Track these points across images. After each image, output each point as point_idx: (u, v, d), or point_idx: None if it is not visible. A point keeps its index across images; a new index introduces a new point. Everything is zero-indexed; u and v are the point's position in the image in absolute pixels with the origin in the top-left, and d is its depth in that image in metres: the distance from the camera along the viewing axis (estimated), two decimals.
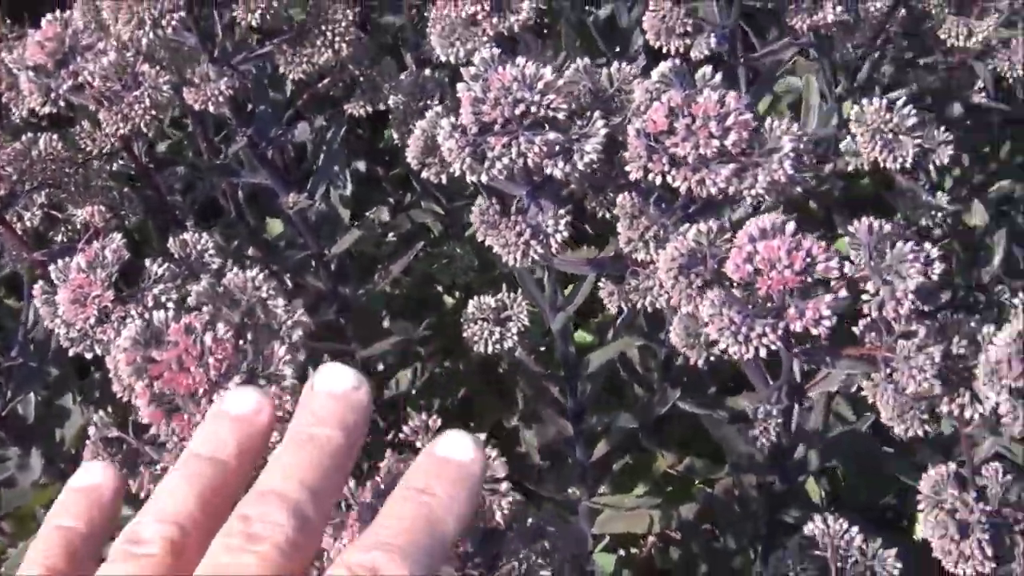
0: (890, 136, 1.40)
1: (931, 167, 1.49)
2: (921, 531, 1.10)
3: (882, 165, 1.42)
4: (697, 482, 1.74)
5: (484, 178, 1.10)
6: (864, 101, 1.42)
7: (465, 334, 1.49)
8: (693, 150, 1.11)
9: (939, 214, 1.52)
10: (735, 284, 1.05)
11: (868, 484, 1.65)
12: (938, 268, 1.17)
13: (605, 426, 1.60)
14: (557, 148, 1.09)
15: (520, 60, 1.12)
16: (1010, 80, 1.60)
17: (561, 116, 1.10)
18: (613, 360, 1.56)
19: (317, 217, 1.66)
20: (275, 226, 1.89)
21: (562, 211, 1.14)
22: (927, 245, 1.23)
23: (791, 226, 1.04)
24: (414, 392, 1.81)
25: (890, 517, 1.75)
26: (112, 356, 1.05)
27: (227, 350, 0.99)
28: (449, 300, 1.94)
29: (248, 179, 1.52)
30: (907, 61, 1.73)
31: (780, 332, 1.01)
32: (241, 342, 1.03)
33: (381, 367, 1.87)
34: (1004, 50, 1.59)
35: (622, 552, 1.79)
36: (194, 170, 1.69)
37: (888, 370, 1.10)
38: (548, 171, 1.10)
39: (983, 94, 1.71)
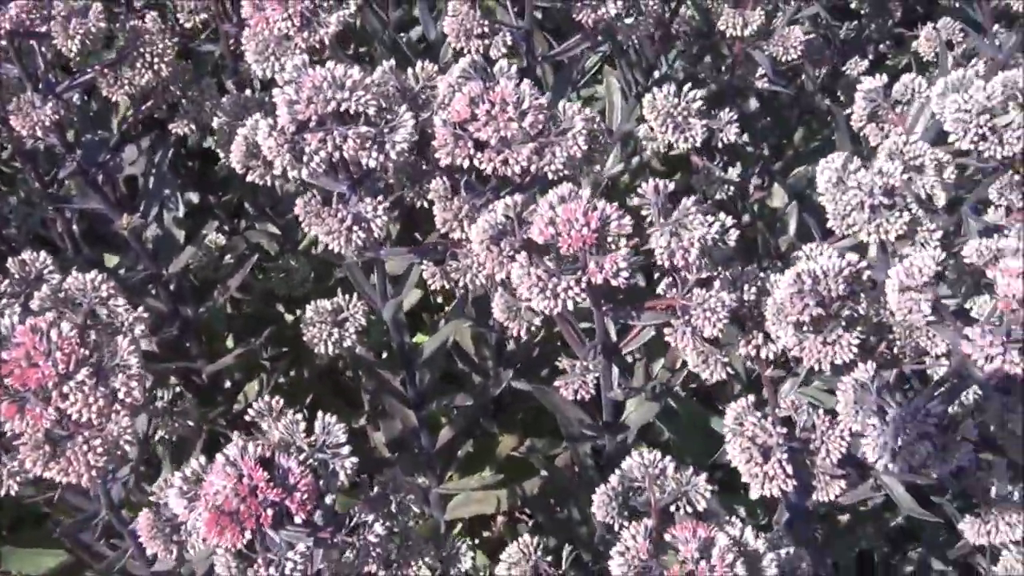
0: (680, 119, 1.53)
1: (720, 144, 1.64)
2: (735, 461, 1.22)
3: (675, 145, 1.55)
4: (539, 459, 1.84)
5: (305, 173, 1.19)
6: (655, 89, 1.55)
7: (305, 337, 1.56)
8: (494, 133, 1.21)
9: (731, 187, 1.66)
10: (541, 248, 1.15)
11: (696, 446, 1.77)
12: (733, 235, 1.32)
13: (446, 412, 1.68)
14: (370, 140, 1.19)
15: (330, 64, 1.21)
16: (784, 62, 1.76)
17: (372, 111, 1.20)
18: (448, 349, 1.65)
19: (154, 241, 1.71)
20: (111, 260, 1.93)
21: (380, 198, 1.23)
22: (722, 214, 1.37)
23: (586, 192, 1.15)
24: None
25: (721, 477, 1.87)
26: None
27: (72, 345, 1.04)
28: (289, 316, 2.00)
29: (80, 206, 1.57)
30: (697, 55, 1.88)
31: (583, 285, 1.11)
32: (87, 338, 1.09)
33: (229, 384, 1.93)
34: (779, 36, 1.75)
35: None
36: (27, 203, 1.73)
37: (686, 316, 1.22)
38: (364, 162, 1.19)
39: (764, 79, 1.88)
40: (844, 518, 1.68)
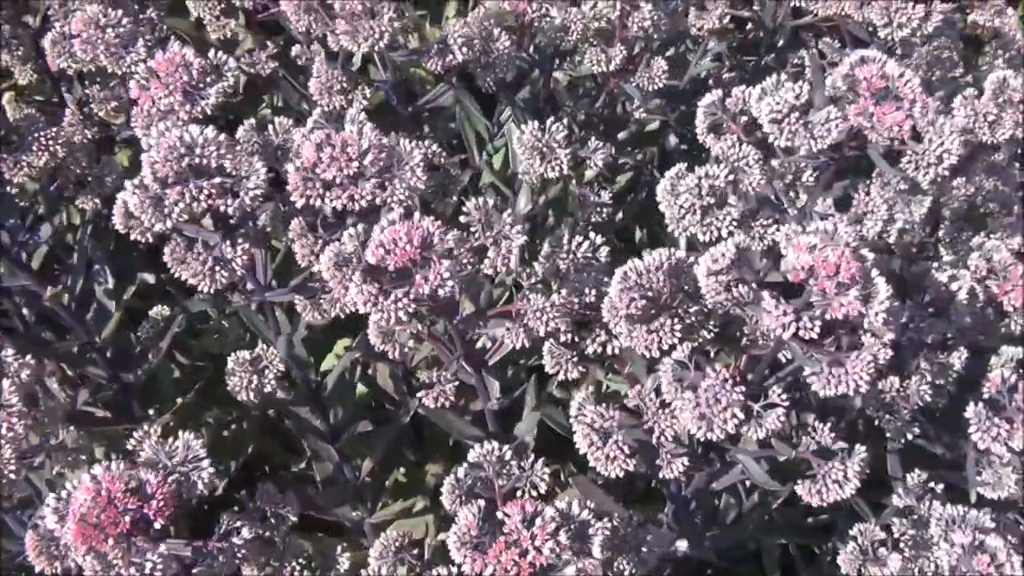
0: (545, 150, 1.66)
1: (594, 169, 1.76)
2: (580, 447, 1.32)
3: (544, 175, 1.68)
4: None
5: (168, 224, 1.32)
6: (523, 126, 1.68)
7: (228, 386, 1.69)
8: (338, 173, 1.35)
9: (604, 210, 1.78)
10: (380, 270, 1.27)
11: None
12: (604, 251, 1.45)
13: (365, 443, 1.80)
14: (225, 190, 1.32)
15: (191, 126, 1.35)
16: (650, 90, 1.88)
17: (227, 164, 1.33)
18: (351, 383, 1.77)
19: (94, 313, 1.85)
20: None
21: (241, 241, 1.36)
22: (592, 234, 1.50)
23: (417, 215, 1.27)
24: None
25: (643, 487, 1.96)
26: None
27: None
28: None
29: (9, 283, 1.71)
30: (567, 89, 2.02)
31: (412, 296, 1.23)
32: None
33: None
34: (645, 69, 1.87)
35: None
36: None
37: (522, 321, 1.33)
38: (223, 209, 1.33)
39: (640, 111, 2.00)
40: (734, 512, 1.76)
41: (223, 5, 1.91)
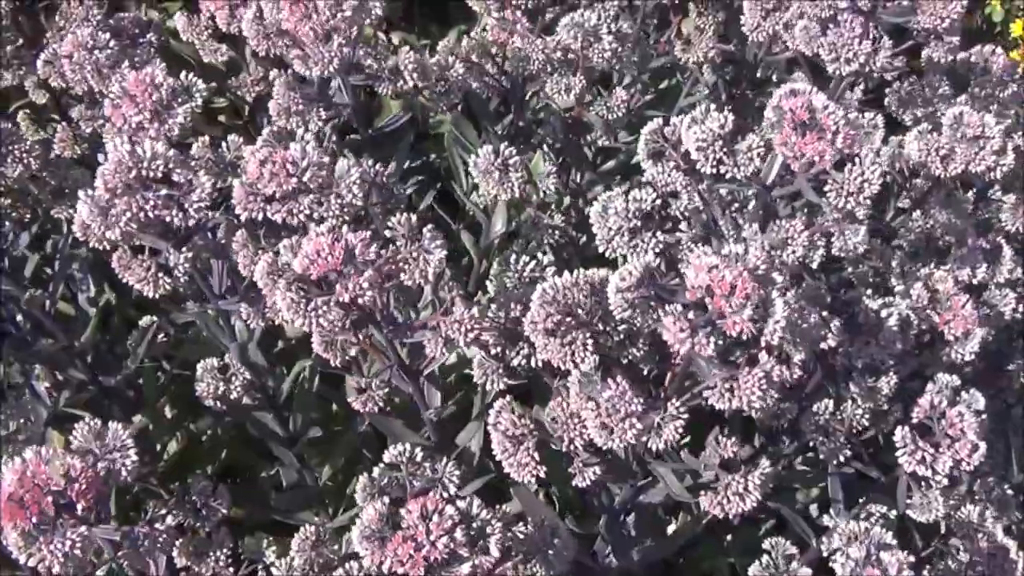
0: (499, 174, 1.73)
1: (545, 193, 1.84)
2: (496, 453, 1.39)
3: (498, 195, 1.75)
4: None
5: (117, 234, 1.41)
6: (479, 151, 1.76)
7: (197, 391, 1.78)
8: (278, 188, 1.43)
9: (556, 232, 1.85)
10: (305, 279, 1.35)
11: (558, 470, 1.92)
12: (550, 271, 1.52)
13: (326, 450, 1.88)
14: (171, 201, 1.41)
15: (145, 142, 1.44)
16: (611, 119, 1.95)
17: (175, 178, 1.43)
18: (311, 391, 1.85)
19: (73, 320, 1.95)
20: None
21: (184, 250, 1.44)
22: (539, 254, 1.57)
23: (345, 228, 1.35)
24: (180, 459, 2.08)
25: None
26: None
27: None
28: None
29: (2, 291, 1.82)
30: (536, 120, 2.10)
31: (334, 303, 1.30)
32: None
33: (158, 447, 2.15)
34: (606, 99, 1.95)
35: None
36: None
37: (440, 331, 1.41)
38: (168, 220, 1.42)
39: (604, 137, 2.07)
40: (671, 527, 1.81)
41: (209, 30, 2.01)
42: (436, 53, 1.87)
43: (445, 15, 3.10)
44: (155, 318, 2.15)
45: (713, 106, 1.54)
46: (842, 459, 1.64)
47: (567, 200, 2.17)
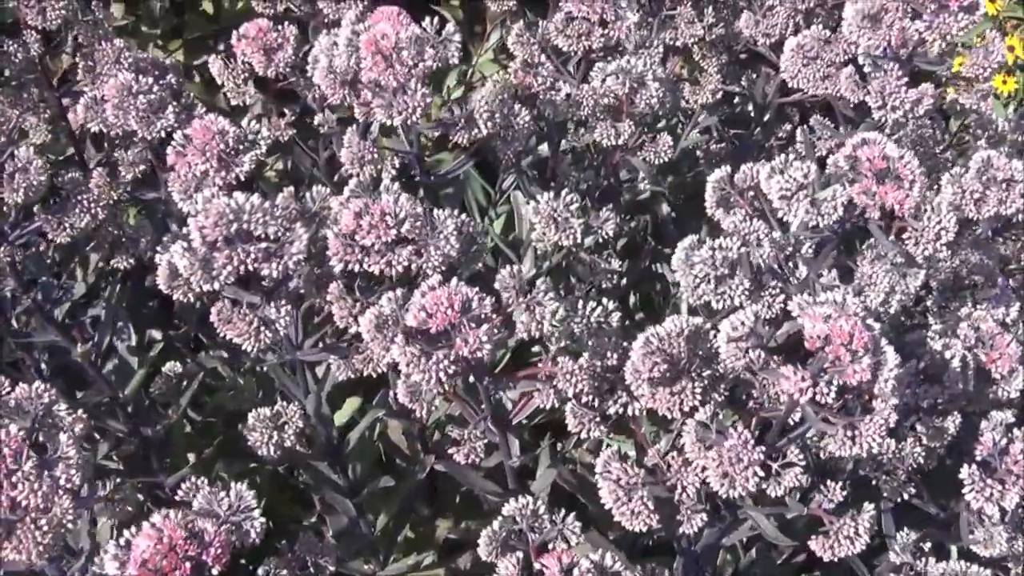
0: (560, 220, 1.74)
1: (603, 239, 1.85)
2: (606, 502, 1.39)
3: (558, 243, 1.76)
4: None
5: (216, 286, 1.39)
6: (539, 196, 1.76)
7: (250, 441, 1.74)
8: (376, 240, 1.42)
9: (614, 276, 1.87)
10: (419, 332, 1.34)
11: None
12: (615, 316, 1.53)
13: (381, 498, 1.86)
14: (270, 254, 1.39)
15: (236, 194, 1.42)
16: (657, 163, 1.98)
17: (271, 230, 1.40)
18: (371, 439, 1.84)
19: (113, 370, 1.91)
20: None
21: (285, 302, 1.42)
22: (604, 300, 1.58)
23: (455, 281, 1.35)
24: None
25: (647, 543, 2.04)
26: None
27: (18, 443, 1.23)
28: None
29: (40, 339, 1.77)
30: (574, 162, 2.11)
31: (452, 358, 1.30)
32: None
33: None
34: (651, 144, 1.97)
35: None
36: None
37: (552, 382, 1.41)
38: (268, 272, 1.39)
39: (645, 182, 2.10)
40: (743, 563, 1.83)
41: (246, 74, 1.98)
42: (443, 96, 1.88)
43: None
44: (178, 364, 2.10)
45: (791, 155, 1.57)
46: (906, 496, 1.67)
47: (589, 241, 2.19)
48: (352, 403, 2.13)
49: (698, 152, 2.50)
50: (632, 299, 2.55)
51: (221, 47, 2.81)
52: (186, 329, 2.29)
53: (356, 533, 1.87)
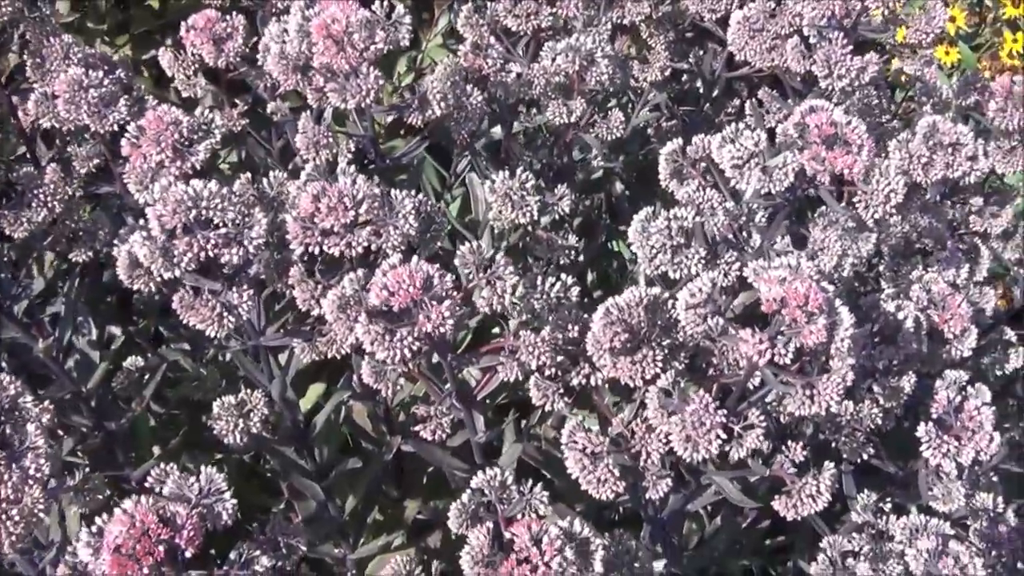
0: (516, 198, 1.76)
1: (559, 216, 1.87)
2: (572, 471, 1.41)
3: (516, 220, 1.77)
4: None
5: (177, 273, 1.39)
6: (494, 177, 1.77)
7: (215, 430, 1.74)
8: (335, 222, 1.43)
9: (572, 252, 1.88)
10: (381, 312, 1.35)
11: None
12: (575, 291, 1.55)
13: (348, 481, 1.87)
14: (230, 239, 1.40)
15: (193, 181, 1.42)
16: (609, 140, 2.00)
17: (230, 216, 1.41)
18: (337, 423, 1.85)
19: (75, 365, 1.90)
20: None
21: (246, 287, 1.43)
22: (563, 275, 1.60)
23: (415, 259, 1.36)
24: None
25: (612, 516, 2.06)
26: None
27: None
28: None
29: (7, 335, 1.76)
30: (527, 143, 2.13)
31: (416, 335, 1.31)
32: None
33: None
34: (603, 121, 1.99)
35: None
36: None
37: (515, 356, 1.43)
38: (228, 258, 1.40)
39: (597, 159, 2.12)
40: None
41: (196, 66, 1.98)
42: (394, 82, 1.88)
43: None
44: (139, 359, 2.10)
45: (741, 125, 1.60)
46: (865, 456, 1.70)
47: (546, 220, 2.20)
48: (316, 389, 2.14)
49: (649, 130, 2.52)
50: (590, 277, 2.57)
51: (169, 41, 2.80)
52: (146, 324, 2.29)
53: (325, 517, 1.87)
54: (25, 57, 2.05)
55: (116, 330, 2.32)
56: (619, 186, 2.65)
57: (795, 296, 1.29)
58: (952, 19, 4.64)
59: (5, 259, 1.76)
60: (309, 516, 1.91)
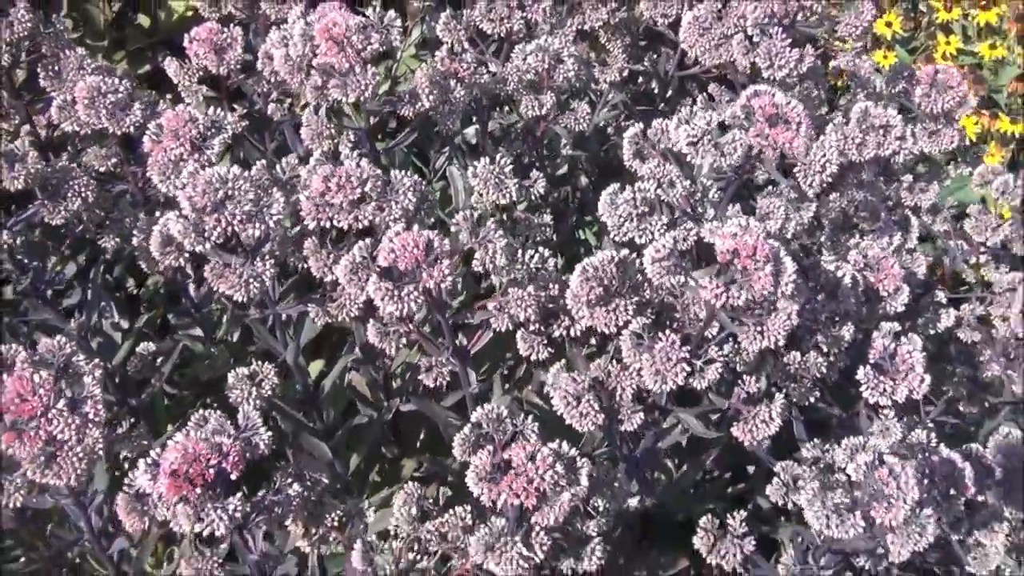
0: (497, 181, 1.95)
1: (535, 197, 2.07)
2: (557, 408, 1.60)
3: (497, 201, 1.97)
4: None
5: (208, 247, 1.57)
6: (476, 162, 1.97)
7: (231, 398, 1.92)
8: (344, 198, 1.62)
9: (547, 229, 2.08)
10: (388, 273, 1.54)
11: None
12: (551, 262, 1.74)
13: (352, 442, 2.05)
14: (252, 215, 1.58)
15: (217, 167, 1.61)
16: (576, 130, 2.21)
17: (251, 196, 1.59)
18: (341, 386, 2.03)
19: (98, 346, 2.07)
20: None
21: (269, 259, 1.61)
22: (541, 248, 1.79)
23: (416, 227, 1.55)
24: None
25: None
26: None
27: (49, 385, 1.41)
28: None
29: (35, 317, 1.93)
30: (501, 138, 2.33)
31: (420, 290, 1.50)
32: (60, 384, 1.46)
33: None
34: (570, 113, 2.20)
35: None
36: None
37: (505, 309, 1.62)
38: (251, 233, 1.58)
39: (567, 148, 2.32)
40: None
41: (200, 73, 2.16)
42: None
43: None
44: (151, 344, 2.27)
45: (697, 108, 1.80)
46: (812, 400, 1.91)
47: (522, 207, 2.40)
48: (316, 365, 2.31)
49: (609, 129, 2.72)
50: (560, 261, 2.76)
51: (160, 57, 2.99)
52: (153, 315, 2.46)
53: (331, 475, 2.05)
54: (38, 69, 2.23)
55: (124, 323, 2.49)
56: (584, 179, 2.85)
57: (745, 248, 1.49)
58: (889, 24, 4.90)
59: (39, 247, 1.93)
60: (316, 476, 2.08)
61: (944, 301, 2.30)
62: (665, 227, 1.74)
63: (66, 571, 1.84)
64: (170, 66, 2.16)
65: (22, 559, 2.04)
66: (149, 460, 1.37)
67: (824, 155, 1.75)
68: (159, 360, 2.19)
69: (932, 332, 2.28)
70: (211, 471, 1.34)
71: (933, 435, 1.95)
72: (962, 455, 1.79)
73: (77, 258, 2.09)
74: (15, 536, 2.04)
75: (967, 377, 2.44)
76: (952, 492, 1.81)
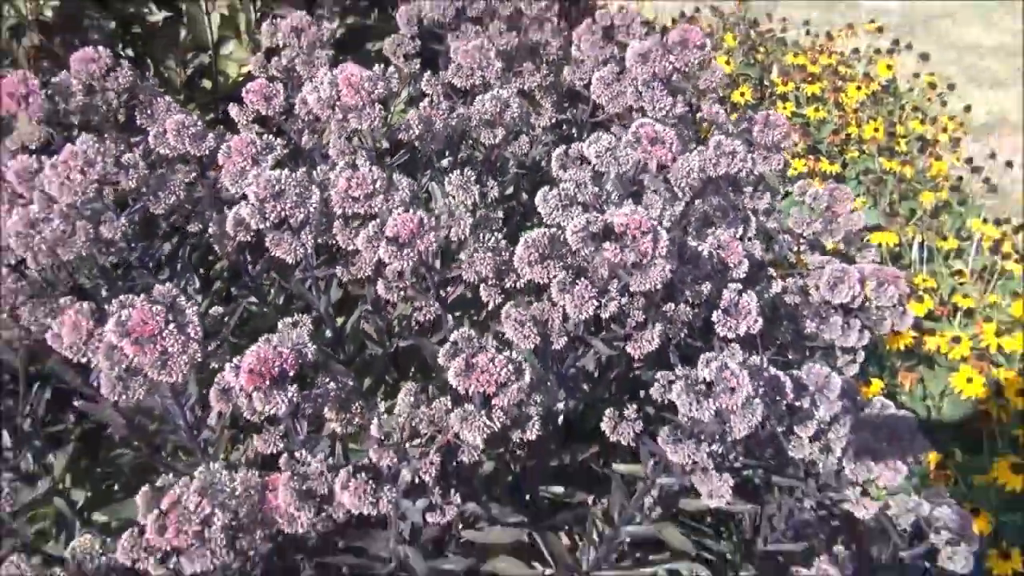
0: (466, 187, 2.12)
1: (491, 200, 2.24)
2: (508, 332, 1.77)
3: (465, 202, 2.14)
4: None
5: (268, 225, 1.73)
6: (452, 174, 2.13)
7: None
8: (361, 192, 1.78)
9: (499, 222, 2.25)
10: (394, 240, 1.70)
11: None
12: (503, 240, 1.90)
13: (365, 369, 2.21)
14: (298, 204, 1.74)
15: (274, 170, 1.76)
16: (519, 154, 2.39)
17: (297, 192, 1.75)
18: (358, 329, 2.19)
19: None
20: None
21: (310, 233, 1.77)
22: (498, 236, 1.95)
23: (420, 212, 1.71)
24: None
25: None
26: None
27: (162, 314, 1.56)
28: None
29: (142, 282, 2.07)
30: (468, 159, 2.51)
31: (415, 251, 1.66)
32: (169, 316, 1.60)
33: None
34: (515, 142, 2.38)
35: None
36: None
37: (472, 267, 1.79)
38: (296, 215, 1.74)
39: (513, 168, 2.50)
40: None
41: (253, 114, 2.31)
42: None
43: None
44: (220, 308, 2.41)
45: (603, 133, 1.99)
46: (682, 337, 2.09)
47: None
48: (339, 320, 2.45)
49: (542, 162, 2.90)
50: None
51: (221, 108, 3.14)
52: (220, 288, 2.60)
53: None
54: (136, 112, 2.36)
55: (200, 295, 2.62)
56: (524, 196, 3.03)
57: (634, 223, 1.67)
58: (742, 94, 5.12)
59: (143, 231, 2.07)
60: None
61: (774, 275, 2.49)
62: (581, 213, 1.92)
63: (165, 456, 1.97)
64: (232, 109, 2.30)
65: (126, 457, 2.17)
66: (232, 364, 1.52)
67: (688, 166, 1.93)
68: (225, 318, 2.33)
69: (766, 296, 2.47)
70: (276, 370, 1.49)
71: (767, 362, 2.13)
72: (784, 374, 1.97)
73: (171, 240, 2.21)
74: (125, 443, 2.17)
75: (792, 330, 2.63)
76: (777, 398, 1.99)
